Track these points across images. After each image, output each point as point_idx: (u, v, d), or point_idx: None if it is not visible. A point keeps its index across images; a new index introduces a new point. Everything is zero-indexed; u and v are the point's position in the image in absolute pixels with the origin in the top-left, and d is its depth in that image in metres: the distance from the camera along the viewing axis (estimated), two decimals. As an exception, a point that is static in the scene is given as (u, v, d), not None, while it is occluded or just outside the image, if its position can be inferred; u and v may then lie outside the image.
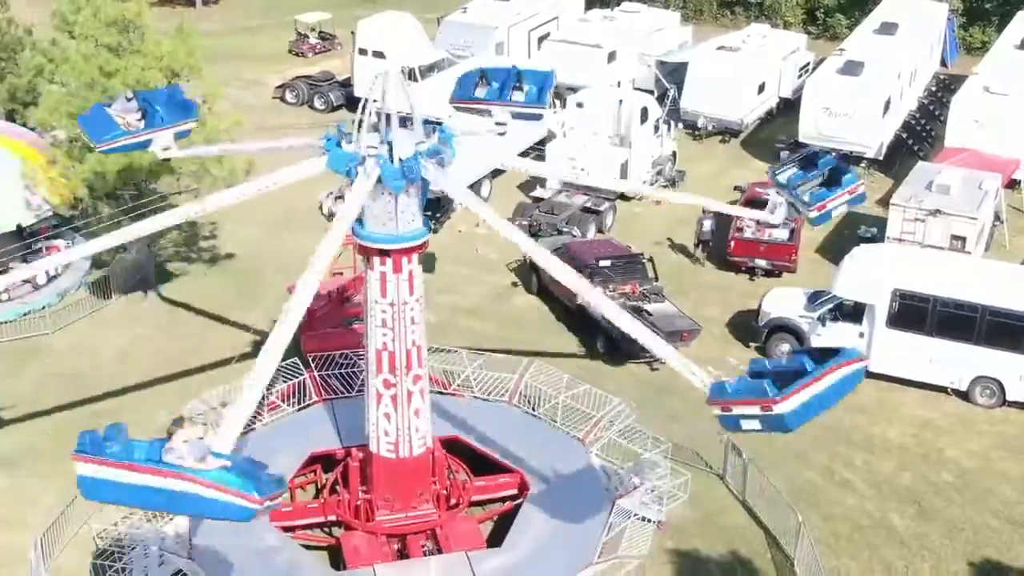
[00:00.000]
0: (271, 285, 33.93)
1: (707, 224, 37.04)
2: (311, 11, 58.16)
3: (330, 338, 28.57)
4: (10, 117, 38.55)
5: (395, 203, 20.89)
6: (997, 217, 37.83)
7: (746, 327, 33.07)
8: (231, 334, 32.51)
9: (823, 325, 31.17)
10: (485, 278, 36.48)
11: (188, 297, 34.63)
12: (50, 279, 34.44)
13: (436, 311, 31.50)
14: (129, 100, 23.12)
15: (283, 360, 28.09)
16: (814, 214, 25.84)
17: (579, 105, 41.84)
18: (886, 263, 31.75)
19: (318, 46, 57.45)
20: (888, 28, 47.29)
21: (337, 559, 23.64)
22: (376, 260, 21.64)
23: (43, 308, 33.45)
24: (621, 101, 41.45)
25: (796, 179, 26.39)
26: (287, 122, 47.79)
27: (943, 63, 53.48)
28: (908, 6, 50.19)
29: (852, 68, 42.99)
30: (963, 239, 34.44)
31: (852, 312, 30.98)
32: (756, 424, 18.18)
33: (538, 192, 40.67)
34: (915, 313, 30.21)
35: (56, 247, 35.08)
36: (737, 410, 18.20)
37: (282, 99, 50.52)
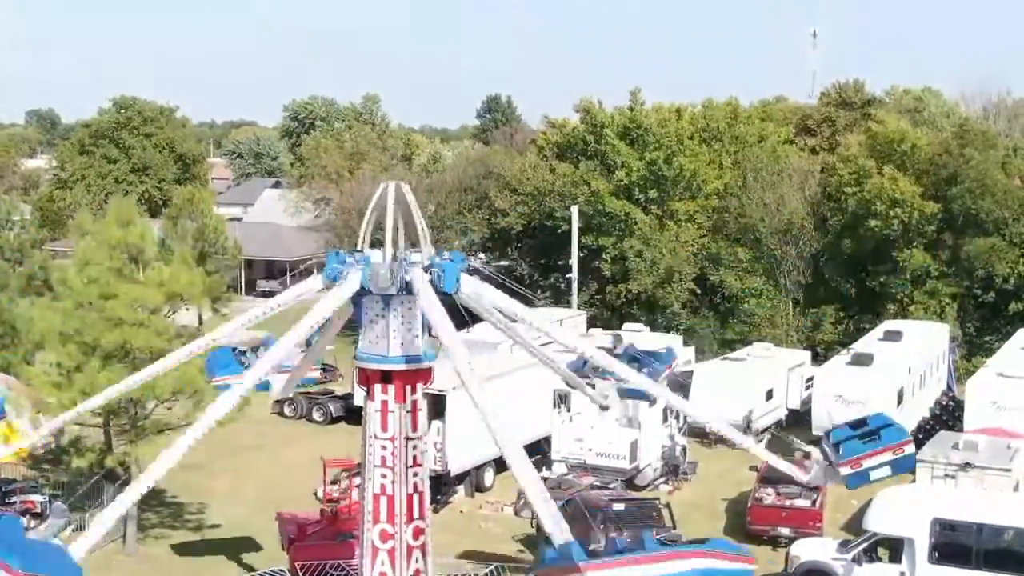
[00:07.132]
0: (254, 550, 31.62)
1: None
2: (314, 344, 58.45)
3: (321, 549, 26.04)
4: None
5: (388, 314, 19.60)
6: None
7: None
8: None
9: (859, 566, 28.58)
10: (491, 548, 34.04)
11: (165, 553, 32.01)
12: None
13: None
14: None
15: (270, 568, 25.98)
16: (846, 470, 21.97)
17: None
18: (923, 494, 29.66)
19: (320, 376, 57.08)
20: (893, 336, 47.23)
21: None
22: (377, 388, 19.99)
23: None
24: (629, 381, 40.54)
25: (840, 434, 22.71)
26: (285, 432, 46.96)
27: (949, 388, 52.95)
28: (911, 323, 50.56)
29: (862, 359, 42.43)
30: (998, 494, 32.34)
31: (889, 550, 28.53)
32: None
33: (544, 473, 38.81)
34: (959, 545, 27.79)
35: (32, 502, 33.02)
36: None
37: (280, 413, 49.57)
